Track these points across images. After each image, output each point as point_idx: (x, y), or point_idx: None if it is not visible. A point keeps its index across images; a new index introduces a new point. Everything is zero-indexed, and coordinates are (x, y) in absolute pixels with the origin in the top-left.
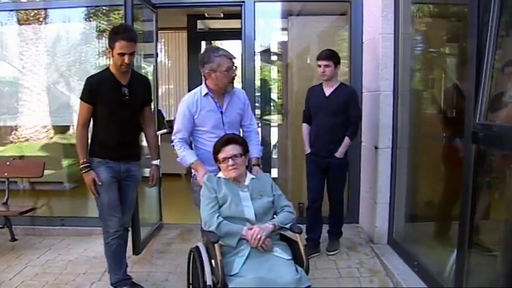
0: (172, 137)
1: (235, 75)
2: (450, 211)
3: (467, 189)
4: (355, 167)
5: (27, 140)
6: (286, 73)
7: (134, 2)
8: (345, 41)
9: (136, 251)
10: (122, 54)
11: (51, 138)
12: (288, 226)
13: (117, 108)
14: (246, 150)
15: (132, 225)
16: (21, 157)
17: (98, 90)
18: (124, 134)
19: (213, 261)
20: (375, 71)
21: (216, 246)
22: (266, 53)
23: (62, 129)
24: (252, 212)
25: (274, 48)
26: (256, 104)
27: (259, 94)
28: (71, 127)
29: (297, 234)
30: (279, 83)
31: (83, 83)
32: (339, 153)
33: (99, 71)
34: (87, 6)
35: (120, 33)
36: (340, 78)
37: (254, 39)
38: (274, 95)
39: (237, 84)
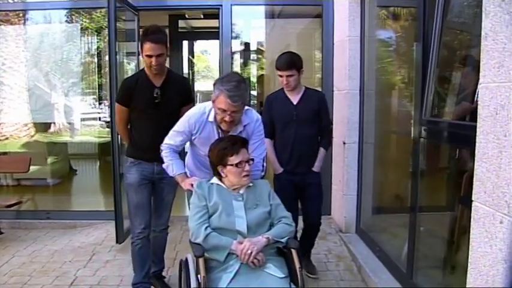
0: (164, 142)
1: (230, 120)
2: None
3: (416, 178)
4: (326, 161)
5: (7, 139)
6: (261, 72)
7: (117, 5)
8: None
9: (119, 240)
10: (149, 56)
11: (33, 135)
12: (283, 240)
13: (150, 109)
14: None
15: (116, 216)
16: (5, 153)
17: (131, 92)
18: (157, 135)
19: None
20: (344, 71)
21: (201, 260)
22: (243, 52)
23: (44, 127)
24: (245, 223)
25: (251, 48)
26: None
27: None
28: (52, 125)
29: (293, 250)
30: (256, 81)
31: (66, 81)
32: (317, 167)
33: (77, 69)
34: (70, 8)
35: (147, 35)
36: (311, 78)
37: (231, 39)
38: (253, 92)
39: (206, 83)
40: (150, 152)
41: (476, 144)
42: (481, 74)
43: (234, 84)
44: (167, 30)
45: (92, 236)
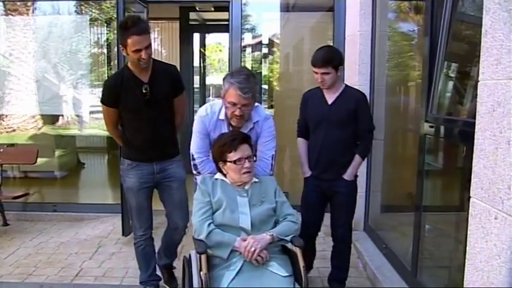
0: (192, 152)
1: (240, 115)
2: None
3: (421, 176)
4: None
5: (14, 131)
6: (272, 65)
7: None
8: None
9: (125, 232)
10: (137, 51)
11: (40, 128)
12: (288, 238)
13: (140, 107)
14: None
15: (122, 209)
16: (12, 145)
17: (117, 91)
18: (152, 133)
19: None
20: (354, 66)
21: (203, 257)
22: (253, 46)
23: (51, 119)
24: (249, 220)
25: (262, 42)
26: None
27: None
28: (60, 117)
29: (297, 248)
30: (267, 75)
31: (75, 73)
32: (348, 175)
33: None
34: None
35: (128, 28)
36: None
37: (241, 32)
38: (265, 86)
39: (219, 76)
40: (147, 152)
41: (475, 141)
42: (480, 71)
43: (243, 77)
44: (178, 23)
45: (98, 229)
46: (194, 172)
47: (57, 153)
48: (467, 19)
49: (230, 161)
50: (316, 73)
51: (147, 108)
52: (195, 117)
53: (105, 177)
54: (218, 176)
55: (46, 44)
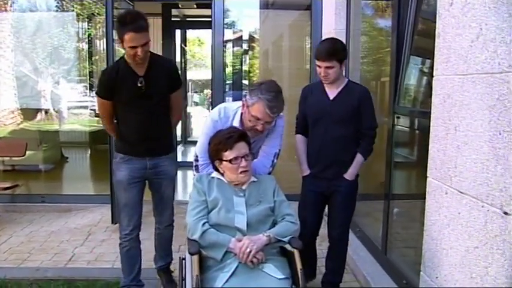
0: (197, 154)
1: (261, 130)
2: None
3: (389, 167)
4: None
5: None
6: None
7: None
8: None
9: (114, 220)
10: (133, 47)
11: (20, 123)
12: (286, 239)
13: (135, 101)
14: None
15: (111, 196)
16: None
17: (112, 84)
18: (146, 128)
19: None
20: None
21: (195, 258)
22: (235, 42)
23: (32, 114)
24: (244, 220)
25: (243, 38)
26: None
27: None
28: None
29: (295, 250)
30: (248, 70)
31: (57, 67)
32: (349, 175)
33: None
34: None
35: (126, 24)
36: (301, 69)
37: (223, 28)
38: (245, 82)
39: (198, 72)
40: (140, 146)
41: (430, 128)
42: (434, 67)
43: (274, 94)
44: (160, 19)
45: (87, 218)
46: (194, 173)
47: (40, 147)
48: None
49: (226, 160)
50: (320, 67)
51: (141, 102)
52: (207, 119)
53: (89, 170)
54: (215, 174)
55: (26, 39)
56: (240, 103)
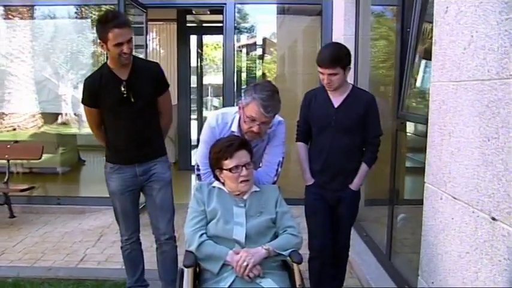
0: (198, 162)
1: (257, 131)
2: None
3: (393, 172)
4: None
5: (14, 130)
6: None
7: (126, 2)
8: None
9: None
10: (119, 45)
11: (40, 127)
12: (286, 253)
13: (119, 107)
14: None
15: None
16: (16, 142)
17: (96, 91)
18: (133, 133)
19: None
20: None
21: (190, 270)
22: (246, 47)
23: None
24: (243, 232)
25: (256, 43)
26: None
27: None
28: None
29: (295, 265)
30: (262, 74)
31: (76, 73)
32: (355, 185)
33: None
34: (79, 5)
35: (109, 22)
36: (312, 74)
37: (234, 34)
38: None
39: (217, 76)
40: (127, 153)
41: (428, 133)
42: (432, 74)
43: (268, 93)
44: (175, 24)
45: (100, 220)
46: (197, 181)
47: (59, 150)
48: None
49: (226, 169)
50: (322, 73)
51: (126, 108)
52: (204, 125)
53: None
54: (216, 184)
55: (47, 45)
56: (232, 112)
